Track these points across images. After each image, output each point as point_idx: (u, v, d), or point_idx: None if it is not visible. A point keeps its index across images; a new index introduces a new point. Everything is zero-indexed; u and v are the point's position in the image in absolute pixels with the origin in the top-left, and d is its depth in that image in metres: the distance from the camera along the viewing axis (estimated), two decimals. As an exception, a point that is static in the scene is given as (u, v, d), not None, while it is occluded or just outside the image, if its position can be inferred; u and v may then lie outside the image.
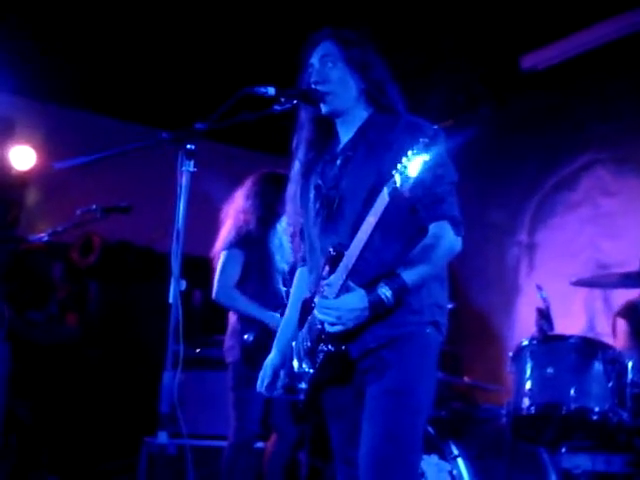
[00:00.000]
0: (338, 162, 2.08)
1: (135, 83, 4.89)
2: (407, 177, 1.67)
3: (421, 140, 1.69)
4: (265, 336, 3.30)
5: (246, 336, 3.36)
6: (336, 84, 2.06)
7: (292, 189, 2.22)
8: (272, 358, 2.18)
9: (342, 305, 1.82)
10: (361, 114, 2.09)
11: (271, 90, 2.08)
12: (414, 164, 1.67)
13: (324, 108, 2.08)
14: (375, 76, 2.09)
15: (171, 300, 2.05)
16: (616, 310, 3.83)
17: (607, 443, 3.05)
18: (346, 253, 1.85)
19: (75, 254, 4.92)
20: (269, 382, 2.14)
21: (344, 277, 1.85)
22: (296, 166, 2.21)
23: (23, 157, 4.76)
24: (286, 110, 2.15)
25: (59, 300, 4.69)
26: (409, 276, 1.85)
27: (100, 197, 3.51)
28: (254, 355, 3.31)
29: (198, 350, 3.97)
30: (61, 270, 4.83)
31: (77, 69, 4.60)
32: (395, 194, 1.69)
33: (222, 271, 3.40)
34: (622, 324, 3.64)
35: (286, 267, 3.53)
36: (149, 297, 4.92)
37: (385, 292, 1.82)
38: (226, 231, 3.49)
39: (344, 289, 1.85)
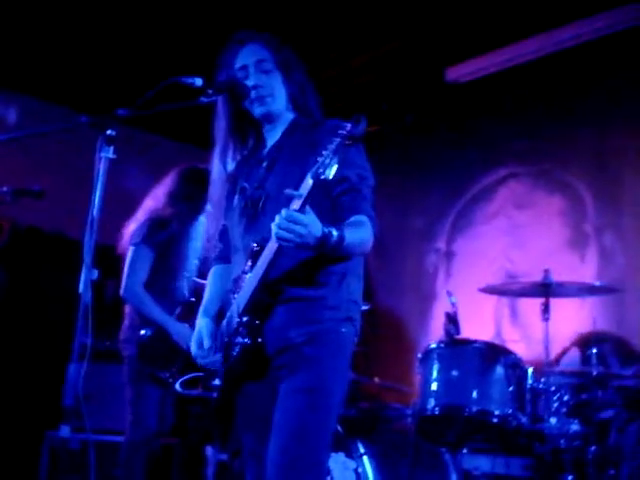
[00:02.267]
0: (264, 164, 2.10)
1: (60, 63, 4.72)
2: (329, 164, 1.69)
3: (342, 132, 1.71)
4: (162, 334, 3.31)
5: (143, 331, 3.32)
6: (274, 88, 2.09)
7: (216, 194, 2.20)
8: (205, 324, 2.12)
9: (311, 222, 1.73)
10: (287, 118, 2.13)
11: (198, 81, 2.07)
12: (336, 152, 1.69)
13: (259, 110, 2.09)
14: (297, 79, 2.13)
15: (81, 289, 2.00)
16: (572, 340, 3.96)
17: (506, 446, 3.17)
18: (268, 244, 1.86)
19: (-19, 237, 4.70)
20: (210, 343, 2.06)
21: (267, 263, 1.85)
22: (216, 170, 2.20)
23: None
24: (212, 102, 2.14)
25: (-39, 284, 4.47)
26: (347, 232, 1.83)
27: (11, 179, 3.37)
28: (149, 351, 3.30)
29: (107, 342, 3.87)
30: (-36, 253, 4.61)
31: (14, 51, 4.41)
32: (317, 178, 1.70)
33: (131, 268, 3.34)
34: (576, 352, 3.77)
35: (197, 262, 3.51)
36: (57, 285, 4.77)
37: (333, 231, 1.79)
38: (137, 225, 3.40)
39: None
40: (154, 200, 3.48)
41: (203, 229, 3.49)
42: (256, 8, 4.23)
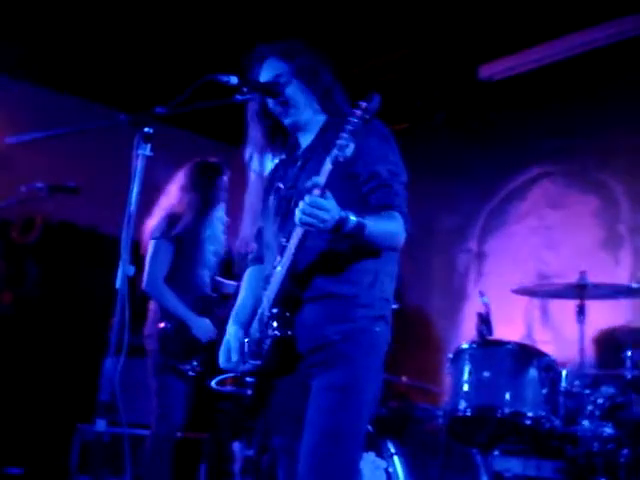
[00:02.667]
0: (298, 164, 2.11)
1: (99, 63, 4.79)
2: (346, 145, 1.73)
3: (357, 111, 1.75)
4: (182, 327, 3.37)
5: (163, 324, 3.38)
6: (295, 98, 2.10)
7: (252, 196, 2.22)
8: (234, 332, 2.12)
9: (332, 206, 1.76)
10: (318, 120, 2.13)
11: (234, 79, 2.08)
12: (353, 133, 1.74)
13: (287, 120, 2.11)
14: (323, 82, 2.13)
15: (118, 285, 2.02)
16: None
17: (539, 448, 3.14)
18: (293, 232, 1.87)
19: (15, 232, 4.77)
20: (238, 355, 2.07)
21: (292, 251, 1.87)
22: (252, 178, 2.22)
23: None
24: (247, 100, 2.15)
25: (-5, 277, 4.55)
26: (369, 221, 1.84)
27: (46, 176, 3.42)
28: (170, 344, 3.35)
29: (145, 336, 3.90)
30: (-1, 247, 4.69)
31: (37, 44, 4.48)
32: (336, 161, 1.74)
33: (152, 262, 3.39)
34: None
35: (214, 259, 3.56)
36: (91, 280, 4.83)
37: (350, 215, 1.81)
38: (157, 220, 3.46)
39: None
40: (169, 196, 3.54)
41: (220, 223, 3.56)
42: (287, 6, 4.23)
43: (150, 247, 3.41)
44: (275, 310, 1.94)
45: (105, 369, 1.99)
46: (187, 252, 3.45)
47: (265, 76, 2.13)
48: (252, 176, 2.22)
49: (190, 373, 3.38)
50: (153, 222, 3.46)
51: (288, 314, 1.94)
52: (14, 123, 4.49)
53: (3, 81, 4.71)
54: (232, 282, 3.60)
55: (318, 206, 1.73)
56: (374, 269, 1.98)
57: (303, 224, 1.76)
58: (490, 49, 4.70)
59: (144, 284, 3.38)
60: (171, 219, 3.42)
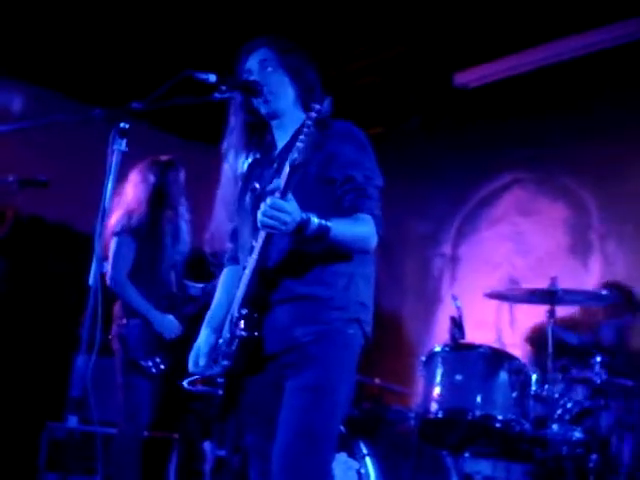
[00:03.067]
0: (275, 165, 2.10)
1: (76, 57, 4.73)
2: (303, 149, 1.75)
3: (312, 115, 1.77)
4: (144, 324, 3.38)
5: (125, 320, 3.40)
6: (276, 86, 2.09)
7: (225, 193, 2.21)
8: (205, 337, 2.13)
9: (293, 209, 1.78)
10: (296, 119, 2.12)
11: (212, 77, 2.06)
12: (308, 137, 1.76)
13: (264, 109, 2.10)
14: (307, 79, 2.13)
15: (91, 281, 1.99)
16: (525, 337, 4.02)
17: (508, 451, 3.17)
18: (258, 234, 1.88)
19: (-17, 226, 4.68)
20: (205, 360, 2.08)
21: (258, 253, 1.89)
22: (227, 170, 2.21)
23: None
24: (225, 99, 2.14)
25: (-38, 273, 4.46)
26: (334, 224, 1.85)
27: (17, 169, 3.36)
28: (132, 340, 3.36)
29: (111, 336, 3.87)
30: (-34, 242, 4.59)
31: (11, 37, 4.40)
32: (293, 164, 1.76)
33: (115, 258, 3.40)
34: (528, 349, 3.82)
35: (178, 257, 3.57)
36: (59, 276, 4.76)
37: (313, 218, 1.82)
38: (116, 218, 3.47)
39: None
40: (124, 194, 3.55)
41: (183, 222, 3.58)
42: (267, 7, 4.22)
43: (112, 244, 3.42)
44: (244, 311, 1.94)
45: (77, 366, 1.96)
46: (148, 248, 3.47)
47: (252, 62, 2.12)
48: (226, 168, 2.20)
49: (152, 370, 3.38)
50: (112, 220, 3.47)
51: (256, 315, 1.93)
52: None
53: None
54: (198, 284, 3.62)
55: (278, 208, 1.75)
56: (348, 272, 1.98)
57: (264, 226, 1.79)
58: (466, 57, 4.75)
59: (108, 280, 3.38)
60: (129, 215, 3.46)
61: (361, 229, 1.92)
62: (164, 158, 3.63)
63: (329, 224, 1.83)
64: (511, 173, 4.81)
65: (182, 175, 3.64)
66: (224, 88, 2.06)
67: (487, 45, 4.60)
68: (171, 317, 3.43)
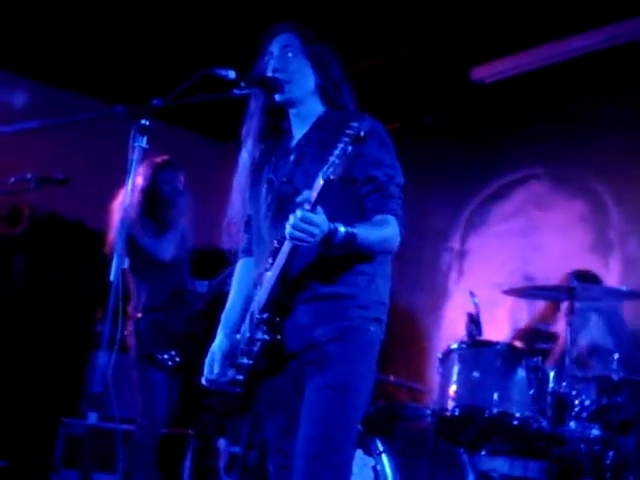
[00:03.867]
0: (292, 157, 2.08)
1: (94, 57, 4.75)
2: (338, 164, 1.72)
3: (350, 132, 1.73)
4: (157, 318, 3.45)
5: (139, 315, 3.46)
6: (295, 73, 2.06)
7: (240, 181, 2.20)
8: (219, 343, 2.14)
9: (322, 221, 1.77)
10: (315, 110, 2.10)
11: (231, 73, 2.06)
12: (344, 153, 1.72)
13: (280, 96, 2.07)
14: (332, 74, 2.10)
15: (112, 278, 1.99)
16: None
17: (525, 449, 3.16)
18: (284, 243, 1.87)
19: (1, 224, 4.72)
20: (220, 368, 2.08)
21: (283, 262, 1.87)
22: (244, 157, 2.19)
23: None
24: (244, 95, 2.14)
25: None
26: (360, 230, 1.85)
27: (35, 168, 3.39)
28: (146, 335, 3.42)
29: (127, 332, 3.90)
30: (-16, 239, 4.63)
31: (32, 37, 4.44)
32: (327, 179, 1.73)
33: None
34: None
35: (182, 255, 3.60)
36: (76, 273, 4.79)
37: (339, 227, 1.82)
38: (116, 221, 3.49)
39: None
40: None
41: (182, 218, 3.60)
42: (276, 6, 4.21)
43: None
44: (265, 315, 1.95)
45: (97, 363, 1.97)
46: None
47: (274, 46, 2.10)
48: (244, 154, 2.18)
49: (169, 363, 3.42)
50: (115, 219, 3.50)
51: (278, 319, 1.94)
52: (3, 115, 4.45)
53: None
54: (204, 281, 3.67)
55: (308, 221, 1.74)
56: (370, 272, 1.99)
57: (292, 239, 1.78)
58: (483, 51, 4.72)
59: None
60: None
61: (385, 232, 1.93)
62: (159, 159, 3.64)
63: (355, 231, 1.83)
64: (528, 169, 4.77)
65: (179, 174, 3.67)
66: (243, 84, 2.06)
67: (504, 40, 4.56)
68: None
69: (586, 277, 3.57)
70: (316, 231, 1.75)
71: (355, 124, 1.74)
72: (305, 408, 1.92)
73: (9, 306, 4.65)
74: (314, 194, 1.75)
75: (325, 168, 1.73)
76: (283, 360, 1.96)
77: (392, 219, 1.94)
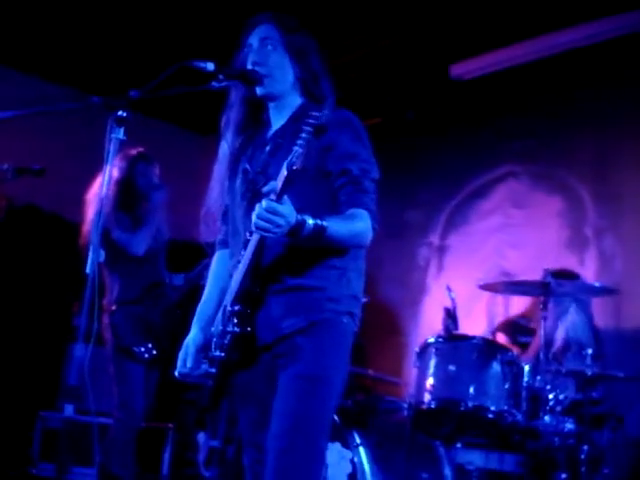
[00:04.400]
0: (267, 148, 2.08)
1: (72, 46, 4.70)
2: (300, 154, 1.72)
3: (312, 122, 1.73)
4: (133, 311, 3.46)
5: (113, 307, 3.46)
6: (274, 67, 2.05)
7: (220, 171, 2.19)
8: (193, 337, 2.13)
9: (288, 212, 1.76)
10: (294, 102, 2.10)
11: (210, 65, 2.05)
12: (306, 142, 1.72)
13: (260, 90, 2.07)
14: (312, 66, 2.09)
15: (88, 270, 1.98)
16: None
17: (501, 442, 3.20)
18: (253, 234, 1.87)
19: (-23, 214, 4.66)
20: (193, 362, 2.08)
21: (251, 253, 1.88)
22: (223, 147, 2.18)
23: None
24: (223, 88, 2.13)
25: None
26: (330, 223, 1.84)
27: (11, 158, 3.35)
28: (122, 328, 3.42)
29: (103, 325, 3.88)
30: (-41, 230, 4.57)
31: (8, 25, 4.37)
32: (290, 169, 1.72)
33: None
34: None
35: (158, 246, 3.61)
36: (53, 265, 4.74)
37: (307, 219, 1.81)
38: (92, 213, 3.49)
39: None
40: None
41: (157, 210, 3.59)
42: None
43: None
44: (236, 307, 1.94)
45: (74, 355, 1.95)
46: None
47: (254, 38, 2.09)
48: (223, 144, 2.17)
49: (145, 355, 3.43)
50: (89, 212, 3.49)
51: (249, 311, 1.94)
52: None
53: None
54: (180, 274, 3.69)
55: (273, 211, 1.74)
56: (341, 266, 1.98)
57: (258, 229, 1.78)
58: (462, 48, 4.74)
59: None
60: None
61: (357, 225, 1.92)
62: (134, 151, 3.63)
63: (325, 224, 1.82)
64: (506, 166, 4.81)
65: (154, 166, 3.67)
66: (222, 77, 2.05)
67: (483, 37, 4.59)
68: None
69: (563, 276, 3.62)
70: (281, 221, 1.74)
71: (316, 113, 1.74)
72: (277, 400, 1.91)
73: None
74: (279, 184, 1.74)
75: (289, 158, 1.73)
76: (255, 353, 1.96)
77: (365, 213, 1.93)
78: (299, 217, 1.79)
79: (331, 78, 2.14)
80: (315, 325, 1.92)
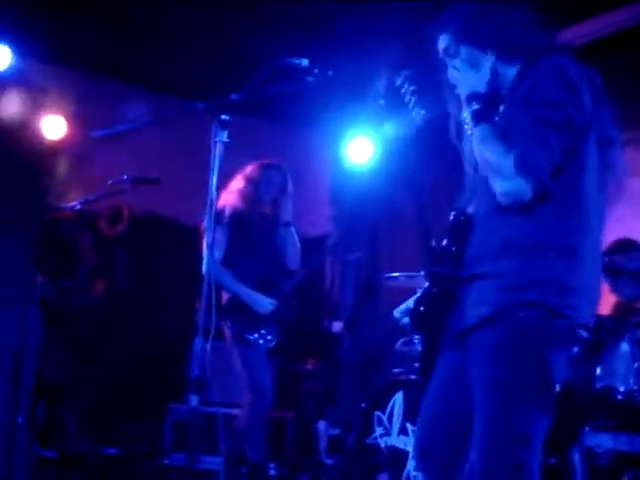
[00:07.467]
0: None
1: (170, 56, 4.87)
2: None
3: None
4: (244, 302, 3.55)
5: (227, 300, 3.58)
6: (467, 67, 1.89)
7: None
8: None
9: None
10: (505, 75, 1.88)
11: (304, 61, 2.09)
12: None
13: (463, 90, 1.92)
14: (507, 43, 1.85)
15: (204, 270, 2.08)
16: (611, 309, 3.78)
17: (630, 423, 3.04)
18: None
19: (103, 224, 4.98)
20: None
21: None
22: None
23: (54, 126, 4.78)
24: (317, 82, 2.16)
25: (87, 269, 4.76)
26: (490, 130, 1.79)
27: (127, 168, 3.54)
28: (234, 316, 3.53)
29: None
30: (89, 239, 4.89)
31: (112, 39, 4.58)
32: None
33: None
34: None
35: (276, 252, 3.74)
36: (174, 266, 4.97)
37: (475, 105, 1.84)
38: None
39: None
40: (232, 186, 3.75)
41: (282, 214, 3.79)
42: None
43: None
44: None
45: (195, 348, 2.06)
46: (241, 238, 3.64)
47: (440, 46, 1.94)
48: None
49: (260, 341, 3.51)
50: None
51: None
52: (87, 117, 4.62)
53: (70, 75, 4.83)
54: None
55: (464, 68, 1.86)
56: (527, 242, 1.76)
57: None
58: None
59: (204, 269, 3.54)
60: (226, 207, 3.64)
61: (497, 157, 1.78)
62: (267, 161, 3.80)
63: (485, 128, 1.79)
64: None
65: (280, 176, 3.78)
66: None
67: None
68: (260, 295, 3.57)
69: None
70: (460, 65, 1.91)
71: None
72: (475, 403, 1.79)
73: (114, 302, 4.89)
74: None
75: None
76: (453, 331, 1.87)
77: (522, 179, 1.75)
78: (473, 94, 1.86)
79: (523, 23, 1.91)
80: (489, 320, 1.78)
